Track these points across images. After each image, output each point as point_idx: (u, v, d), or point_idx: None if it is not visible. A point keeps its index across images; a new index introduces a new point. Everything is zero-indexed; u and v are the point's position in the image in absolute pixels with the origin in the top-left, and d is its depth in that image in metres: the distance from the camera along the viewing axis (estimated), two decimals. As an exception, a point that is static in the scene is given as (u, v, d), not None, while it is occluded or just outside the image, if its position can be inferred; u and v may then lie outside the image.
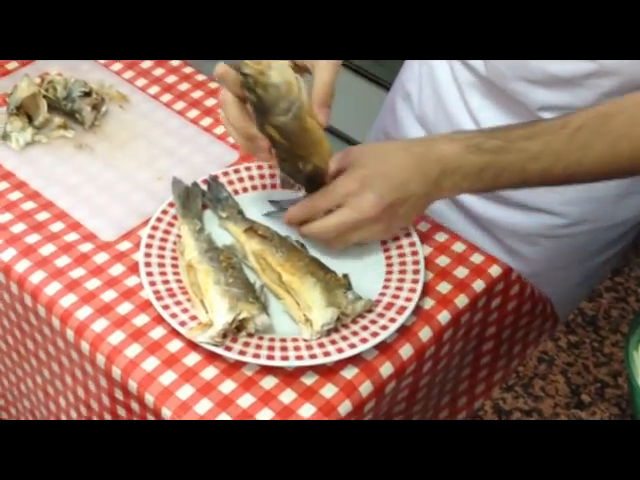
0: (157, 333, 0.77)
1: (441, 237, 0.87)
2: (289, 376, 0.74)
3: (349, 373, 0.75)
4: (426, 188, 0.80)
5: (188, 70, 1.05)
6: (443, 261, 0.84)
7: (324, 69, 0.78)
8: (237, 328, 0.75)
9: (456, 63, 0.97)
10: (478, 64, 0.93)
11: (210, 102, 1.01)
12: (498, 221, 0.98)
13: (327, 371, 0.75)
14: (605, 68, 0.83)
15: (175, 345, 0.76)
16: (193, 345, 0.76)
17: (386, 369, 0.76)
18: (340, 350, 0.74)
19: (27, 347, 0.87)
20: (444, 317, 0.80)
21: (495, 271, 0.84)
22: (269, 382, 0.74)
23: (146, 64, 1.05)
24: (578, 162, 0.78)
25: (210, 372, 0.74)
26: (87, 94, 0.95)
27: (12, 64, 1.03)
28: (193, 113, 0.99)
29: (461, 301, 0.81)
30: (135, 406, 0.76)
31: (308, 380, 0.74)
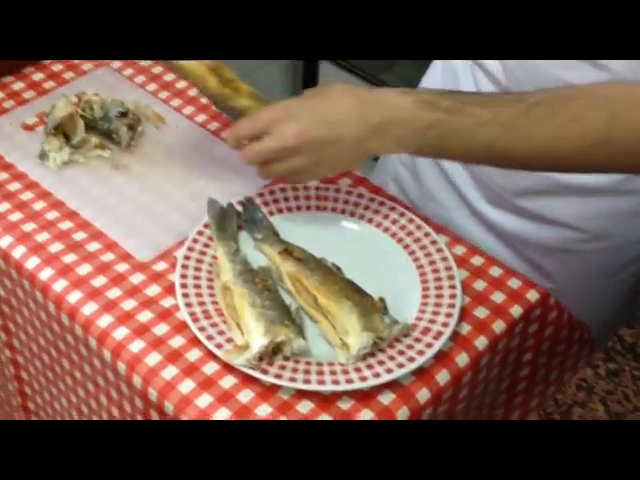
0: (193, 355, 0.77)
1: (477, 261, 0.86)
2: (325, 401, 0.74)
3: (386, 398, 0.74)
4: (361, 131, 0.78)
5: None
6: (480, 285, 0.84)
7: None
8: (273, 351, 0.75)
9: (479, 73, 0.96)
10: (499, 73, 0.92)
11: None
12: (517, 232, 0.97)
13: (363, 396, 0.74)
14: (618, 76, 0.81)
15: (211, 367, 0.76)
16: (229, 368, 0.75)
17: (423, 395, 0.75)
18: (377, 375, 0.74)
19: (63, 366, 0.88)
20: (481, 343, 0.79)
21: (532, 296, 0.83)
22: (305, 406, 0.73)
23: (181, 84, 1.06)
24: (527, 137, 0.76)
25: (246, 395, 0.74)
26: (124, 114, 0.96)
27: (49, 83, 1.04)
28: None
29: (498, 326, 0.81)
30: (170, 428, 0.76)
31: (344, 405, 0.74)
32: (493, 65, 0.93)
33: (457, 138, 0.78)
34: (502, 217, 0.98)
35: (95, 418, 0.88)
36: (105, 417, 0.86)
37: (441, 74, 1.03)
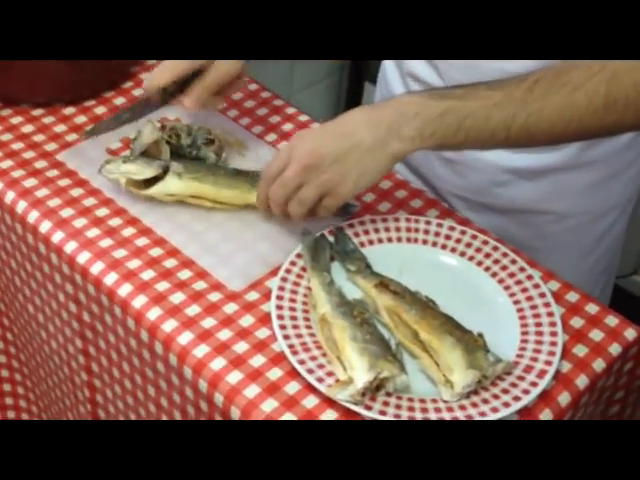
0: (292, 388, 0.76)
1: (572, 297, 0.85)
2: (428, 438, 0.73)
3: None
4: (377, 135, 0.80)
5: (304, 118, 1.05)
6: (577, 322, 0.83)
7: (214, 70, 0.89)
8: (376, 387, 0.74)
9: (413, 84, 1.00)
10: (434, 79, 0.95)
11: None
12: (495, 231, 0.95)
13: (467, 434, 0.73)
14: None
15: (311, 401, 0.75)
16: (329, 402, 0.75)
17: (527, 434, 0.74)
18: (483, 414, 0.72)
19: (148, 393, 0.87)
20: (582, 381, 0.78)
21: (630, 334, 0.82)
22: (409, 444, 0.73)
23: (262, 111, 1.06)
24: (539, 110, 0.79)
25: (348, 431, 0.73)
26: (211, 141, 0.96)
27: (129, 107, 1.05)
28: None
29: (599, 365, 0.79)
30: (268, 462, 0.75)
31: (448, 443, 0.73)
32: (427, 73, 0.96)
33: (474, 121, 0.79)
34: (472, 217, 0.97)
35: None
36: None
37: (379, 88, 1.08)
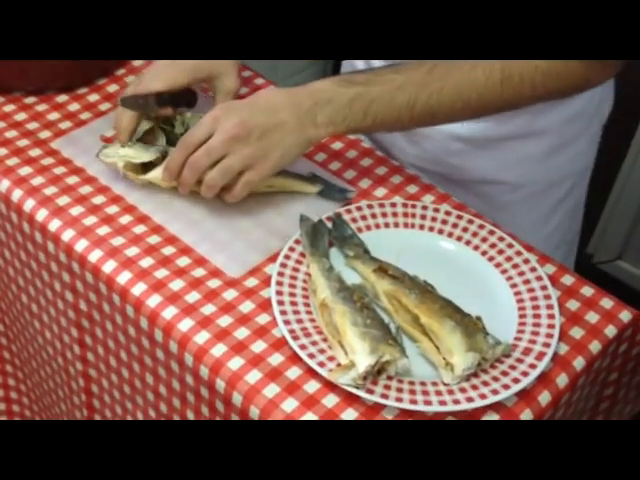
0: (293, 373, 0.76)
1: (568, 280, 0.86)
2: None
3: (491, 419, 0.74)
4: (298, 118, 0.84)
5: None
6: (573, 305, 0.84)
7: (226, 78, 0.92)
8: (378, 371, 0.75)
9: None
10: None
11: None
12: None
13: (467, 416, 0.74)
14: None
15: (313, 386, 0.76)
16: (331, 386, 0.75)
17: (526, 416, 0.75)
18: (483, 396, 0.73)
19: (146, 381, 0.87)
20: (579, 363, 0.79)
21: (625, 317, 0.83)
22: (410, 426, 0.73)
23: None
24: (439, 90, 0.85)
25: (350, 415, 0.74)
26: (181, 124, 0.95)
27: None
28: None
29: (595, 347, 0.80)
30: (271, 446, 0.75)
31: (450, 425, 0.74)
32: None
33: (380, 105, 0.85)
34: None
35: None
36: (191, 433, 0.85)
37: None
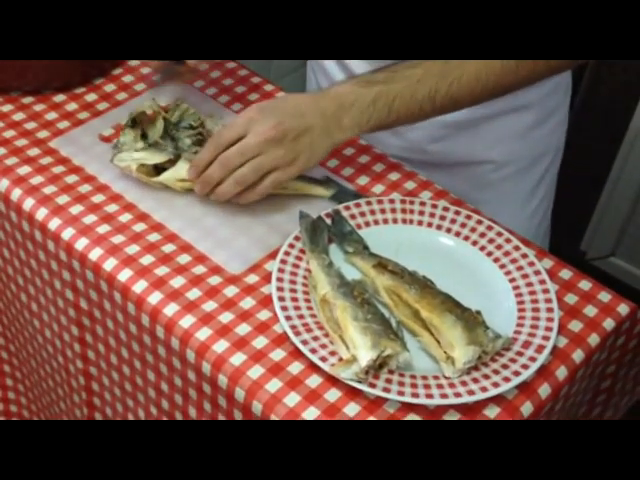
0: (295, 368, 0.77)
1: (566, 275, 0.87)
2: (431, 414, 0.74)
3: (491, 412, 0.75)
4: (324, 122, 0.87)
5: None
6: (571, 299, 0.84)
7: None
8: (379, 365, 0.75)
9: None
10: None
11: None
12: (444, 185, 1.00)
13: (469, 410, 0.75)
14: None
15: (315, 380, 0.76)
16: (333, 381, 0.76)
17: (526, 409, 0.76)
18: (484, 389, 0.74)
19: (147, 378, 0.87)
20: (578, 356, 0.80)
21: (623, 310, 0.84)
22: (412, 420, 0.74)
23: (253, 97, 1.06)
24: (459, 78, 0.88)
25: (353, 409, 0.74)
26: (192, 127, 0.95)
27: (121, 94, 1.04)
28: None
29: (593, 340, 0.81)
30: (273, 441, 0.76)
31: (451, 418, 0.74)
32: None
33: (402, 100, 0.88)
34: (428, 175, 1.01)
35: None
36: (192, 430, 0.86)
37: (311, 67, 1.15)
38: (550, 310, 0.81)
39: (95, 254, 0.85)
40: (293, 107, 0.88)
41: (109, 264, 0.84)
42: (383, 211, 0.90)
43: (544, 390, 0.77)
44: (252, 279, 0.85)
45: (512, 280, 0.84)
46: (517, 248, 0.86)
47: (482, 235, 0.88)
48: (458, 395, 0.74)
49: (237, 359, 0.77)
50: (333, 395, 0.75)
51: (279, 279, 0.82)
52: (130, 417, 0.95)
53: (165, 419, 0.89)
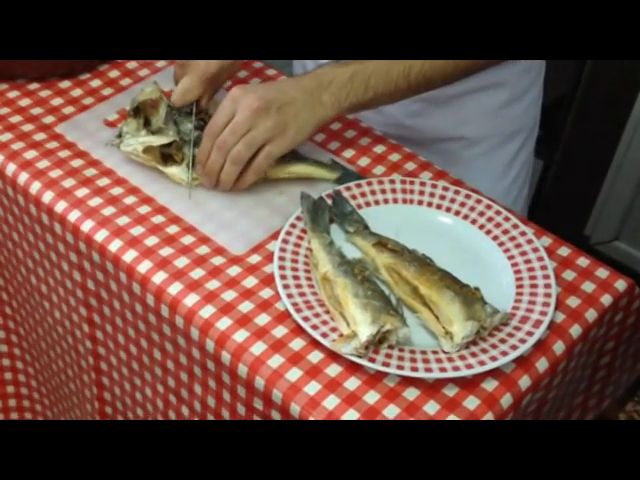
0: (297, 344, 0.79)
1: (564, 252, 0.88)
2: (430, 388, 0.76)
3: (490, 386, 0.76)
4: (305, 97, 0.90)
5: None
6: (569, 275, 0.86)
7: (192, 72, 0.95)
8: (379, 340, 0.77)
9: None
10: None
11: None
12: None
13: (467, 383, 0.76)
14: None
15: (316, 356, 0.78)
16: (334, 356, 0.77)
17: (524, 382, 0.77)
18: (482, 363, 0.75)
19: (154, 357, 0.89)
20: (576, 331, 0.81)
21: (621, 286, 0.85)
22: (412, 393, 0.75)
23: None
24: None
25: (353, 383, 0.76)
26: (190, 114, 0.96)
27: (126, 80, 1.06)
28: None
29: (591, 315, 0.83)
30: (276, 416, 0.77)
31: (450, 392, 0.75)
32: None
33: (378, 78, 0.92)
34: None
35: (184, 407, 0.90)
36: (198, 407, 0.87)
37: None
38: (548, 286, 0.82)
39: (101, 236, 0.87)
40: (274, 85, 0.93)
41: (114, 245, 0.86)
42: (384, 191, 0.92)
43: (542, 364, 0.78)
44: (255, 259, 0.86)
45: (510, 257, 0.85)
46: (516, 226, 0.88)
47: (481, 214, 0.89)
48: (457, 369, 0.75)
49: (240, 336, 0.79)
50: (334, 370, 0.77)
51: (281, 258, 0.84)
52: (137, 395, 0.97)
53: (171, 396, 0.91)
